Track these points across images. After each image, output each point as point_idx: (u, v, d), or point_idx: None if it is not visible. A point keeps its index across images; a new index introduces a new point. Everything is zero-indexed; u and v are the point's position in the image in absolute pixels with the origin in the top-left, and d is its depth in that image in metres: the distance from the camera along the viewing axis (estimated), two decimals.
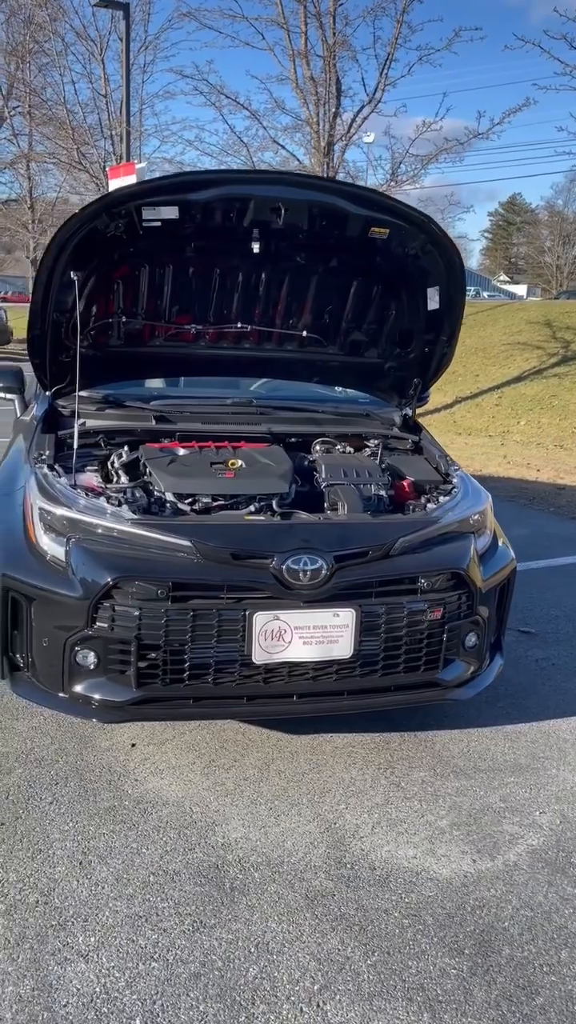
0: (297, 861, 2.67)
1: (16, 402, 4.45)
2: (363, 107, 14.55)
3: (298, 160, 14.84)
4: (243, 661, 3.00)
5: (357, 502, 3.40)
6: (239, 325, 3.81)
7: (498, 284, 73.11)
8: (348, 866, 2.66)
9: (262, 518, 3.29)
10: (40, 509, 3.15)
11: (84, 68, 21.47)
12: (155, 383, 4.35)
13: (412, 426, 4.18)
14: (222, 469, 3.46)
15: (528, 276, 73.48)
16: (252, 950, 2.30)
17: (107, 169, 18.92)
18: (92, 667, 3.01)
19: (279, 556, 2.97)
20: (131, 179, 15.26)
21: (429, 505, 3.42)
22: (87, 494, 3.21)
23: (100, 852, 2.68)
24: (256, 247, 3.45)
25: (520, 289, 68.48)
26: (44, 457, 3.43)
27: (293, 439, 3.90)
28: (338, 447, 3.90)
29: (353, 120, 14.67)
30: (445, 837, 2.82)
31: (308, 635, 2.99)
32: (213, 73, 29.87)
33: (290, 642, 2.98)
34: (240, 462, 3.50)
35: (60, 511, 3.11)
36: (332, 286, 3.77)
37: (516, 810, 2.99)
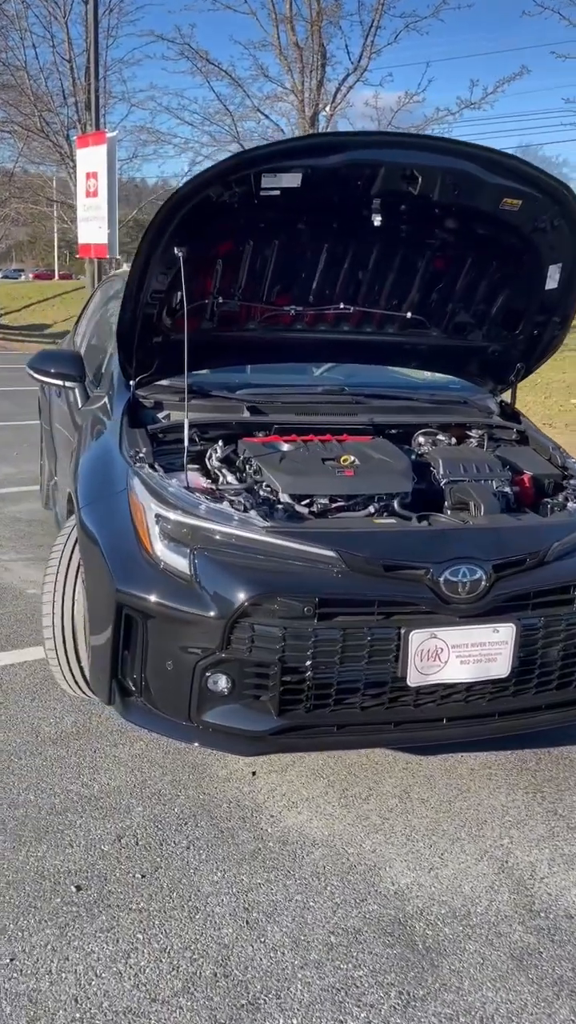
0: (484, 911, 2.40)
1: (76, 391, 4.05)
2: (348, 75, 14.13)
3: (281, 130, 14.36)
4: (395, 684, 2.70)
5: (493, 502, 3.10)
6: (341, 306, 3.46)
7: None
8: (542, 915, 2.39)
9: (392, 521, 2.97)
10: (157, 515, 2.79)
11: (45, 31, 20.60)
12: (230, 369, 3.97)
13: (511, 414, 3.90)
14: (337, 466, 3.13)
15: None
16: None
17: (75, 139, 18.18)
18: (225, 693, 2.68)
19: (436, 567, 2.67)
20: (101, 149, 14.59)
21: (570, 504, 3.14)
22: (205, 497, 2.87)
23: (264, 908, 2.36)
24: (377, 220, 3.10)
25: None
26: (143, 455, 3.07)
27: (394, 430, 3.58)
28: (441, 437, 3.59)
29: (338, 89, 14.24)
30: None
31: (466, 654, 2.70)
32: (194, 38, 28.92)
33: (446, 662, 2.69)
34: (352, 458, 3.18)
35: (180, 517, 2.76)
36: (445, 262, 3.45)
37: None
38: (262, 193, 2.93)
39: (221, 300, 3.30)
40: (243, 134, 12.70)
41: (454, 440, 3.62)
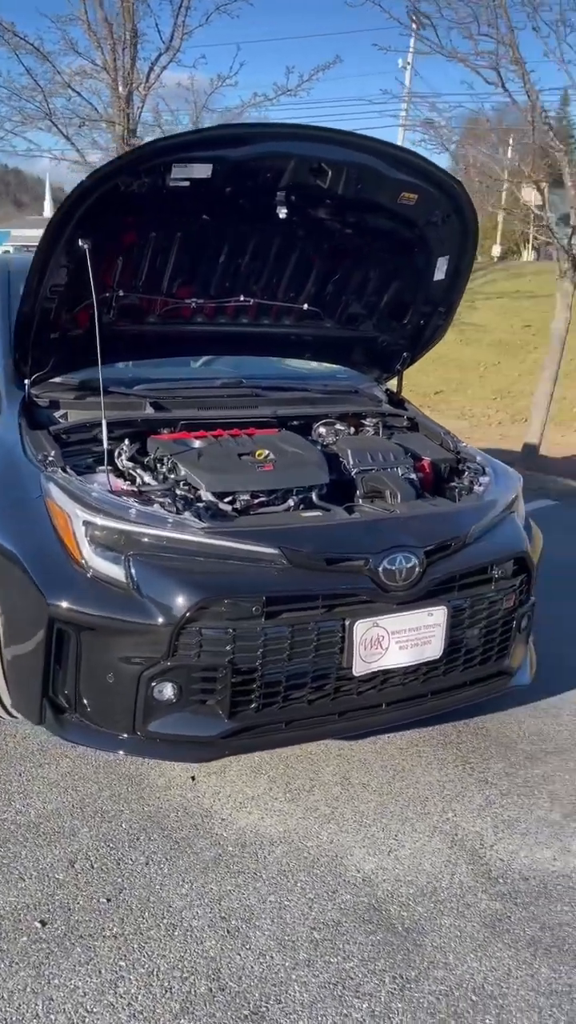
0: (448, 885, 2.49)
1: None
2: (160, 55, 13.82)
3: (94, 108, 13.86)
4: (340, 675, 2.74)
5: (408, 489, 3.19)
6: (242, 299, 3.42)
7: None
8: (501, 881, 2.52)
9: (318, 514, 3.00)
10: (85, 522, 2.66)
11: None
12: (120, 364, 3.83)
13: (398, 401, 4.01)
14: (255, 461, 3.11)
15: None
16: (474, 998, 2.10)
17: None
18: (172, 701, 2.62)
19: (374, 557, 2.72)
20: None
21: (476, 487, 3.28)
22: (132, 500, 2.77)
23: (241, 914, 2.34)
24: (282, 212, 3.09)
25: None
26: (52, 458, 2.92)
27: (296, 422, 3.60)
28: (340, 427, 3.64)
29: (151, 68, 13.90)
30: (567, 832, 2.75)
31: (404, 639, 2.78)
32: None
33: (387, 648, 2.76)
34: (267, 452, 3.18)
35: (111, 523, 2.66)
36: (342, 255, 3.48)
37: None
38: (171, 184, 2.84)
39: (122, 293, 3.18)
40: (55, 111, 12.11)
41: (352, 430, 3.68)
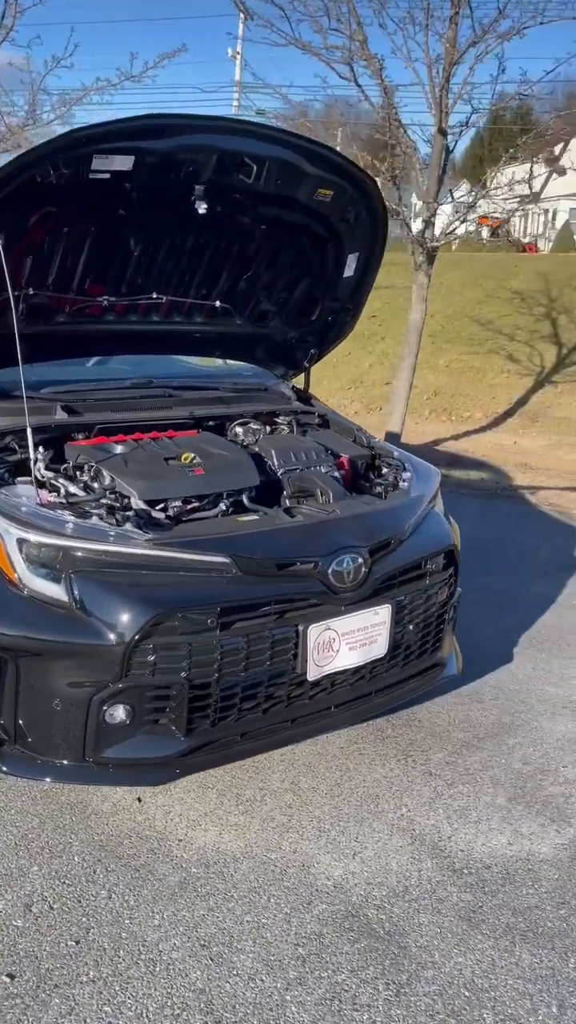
0: (418, 883, 2.51)
1: None
2: None
3: None
4: (294, 680, 2.70)
5: (338, 488, 3.18)
6: (154, 296, 3.29)
7: None
8: (466, 872, 2.56)
9: (255, 517, 2.94)
10: (19, 540, 2.49)
11: None
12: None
13: (305, 398, 3.99)
14: (184, 465, 3.01)
15: None
16: (467, 994, 2.12)
17: None
18: (125, 723, 2.49)
19: (323, 559, 2.69)
20: None
21: (401, 483, 3.31)
22: (65, 513, 2.61)
23: (220, 939, 2.26)
24: (202, 208, 2.98)
25: None
26: None
27: (211, 422, 3.51)
28: (255, 426, 3.58)
29: None
30: (515, 815, 2.83)
31: (353, 640, 2.78)
32: None
33: (338, 651, 2.75)
34: (193, 455, 3.08)
35: (48, 539, 2.50)
36: (257, 251, 3.41)
37: (544, 771, 3.10)
38: (91, 176, 2.69)
39: (31, 291, 2.98)
40: None
41: (268, 428, 3.63)
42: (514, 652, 4.05)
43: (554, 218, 33.53)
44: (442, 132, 9.01)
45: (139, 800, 2.82)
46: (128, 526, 2.60)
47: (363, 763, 3.09)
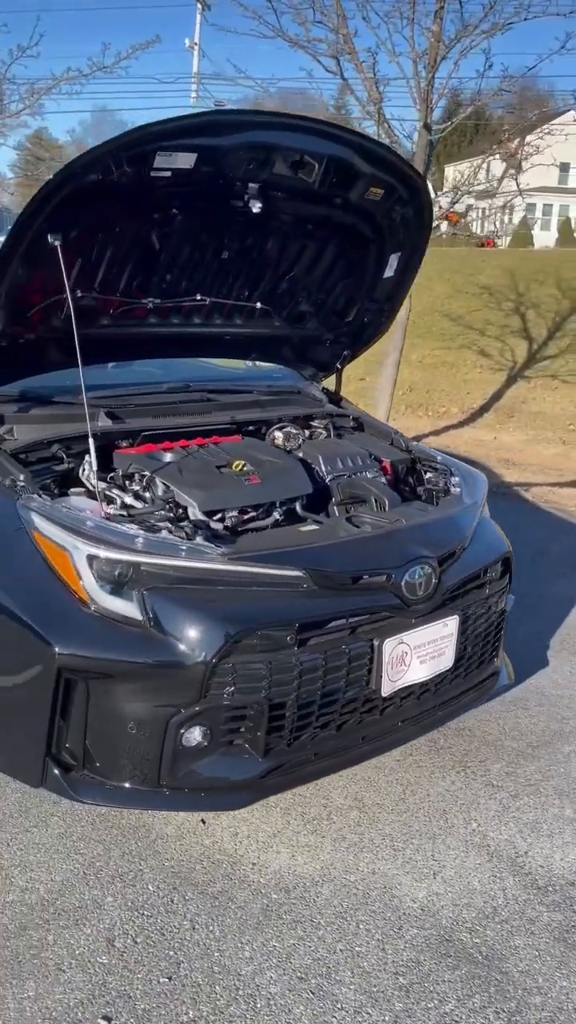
0: (504, 902, 2.45)
1: None
2: None
3: None
4: (367, 697, 2.62)
5: (393, 495, 3.11)
6: (198, 298, 3.17)
7: None
8: (550, 890, 2.51)
9: (316, 527, 2.85)
10: (89, 556, 2.36)
11: None
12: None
13: (335, 400, 3.91)
14: (240, 474, 2.91)
15: None
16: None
17: None
18: (202, 746, 2.39)
19: (396, 571, 2.61)
20: None
21: (452, 489, 3.24)
22: (134, 527, 2.50)
23: (318, 970, 2.18)
24: (256, 207, 2.88)
25: None
26: (23, 483, 2.58)
27: (251, 427, 3.41)
28: (293, 431, 3.49)
29: None
30: None
31: (424, 653, 2.71)
32: None
33: (410, 665, 2.67)
34: (243, 463, 2.98)
35: (119, 555, 2.38)
36: (298, 251, 3.31)
37: None
38: (152, 174, 2.56)
39: (80, 294, 2.84)
40: None
41: (307, 433, 3.54)
42: (549, 656, 4.02)
43: (511, 214, 33.86)
44: (427, 128, 8.99)
45: (203, 822, 2.72)
46: (198, 539, 2.50)
47: (423, 776, 3.03)
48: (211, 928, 2.29)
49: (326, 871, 2.53)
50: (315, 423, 3.62)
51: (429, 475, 3.41)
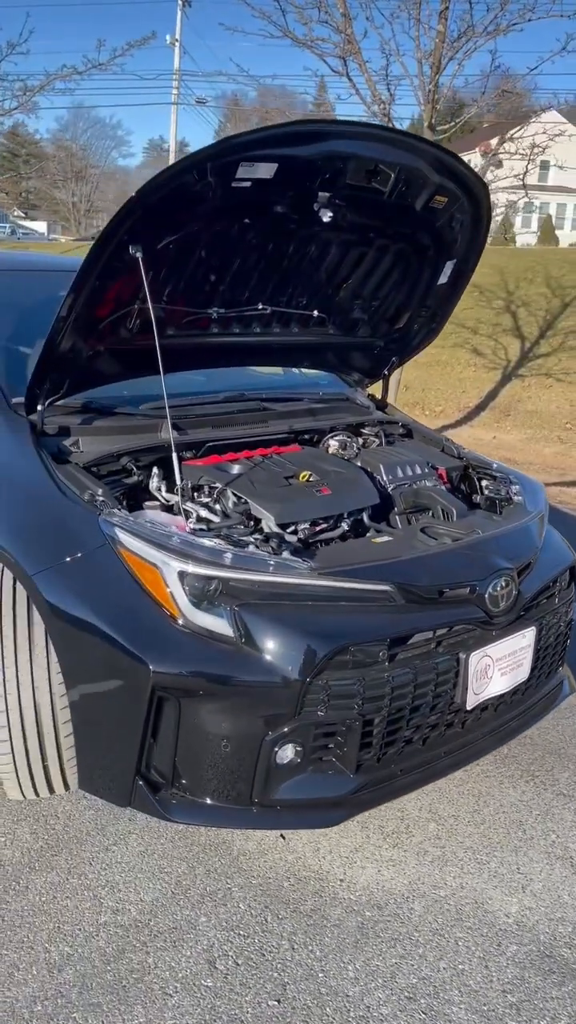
0: None
1: None
2: None
3: None
4: (453, 710, 2.60)
5: (460, 505, 3.10)
6: (260, 307, 3.14)
7: (15, 220, 69.80)
8: None
9: (389, 539, 2.83)
10: (181, 572, 2.33)
11: None
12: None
13: (381, 407, 3.89)
14: (311, 485, 2.89)
15: (44, 212, 71.14)
16: None
17: None
18: (295, 763, 2.36)
19: (480, 583, 2.60)
20: None
21: (515, 497, 3.23)
22: (221, 541, 2.47)
23: (425, 990, 2.16)
24: (327, 216, 2.85)
25: (40, 226, 66.12)
26: (102, 498, 2.54)
27: (307, 436, 3.38)
28: (347, 439, 3.46)
29: None
30: None
31: (505, 665, 2.70)
32: None
33: (492, 677, 2.66)
34: (309, 473, 2.96)
35: (208, 571, 2.34)
36: (357, 259, 3.28)
37: None
38: (234, 184, 2.53)
39: (150, 305, 2.80)
40: None
41: (361, 441, 3.52)
42: None
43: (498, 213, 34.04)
44: (431, 128, 8.99)
45: (283, 837, 2.70)
46: (286, 554, 2.47)
47: (494, 786, 3.02)
48: (311, 948, 2.27)
49: (414, 886, 2.52)
50: (366, 431, 3.60)
51: (487, 483, 3.40)
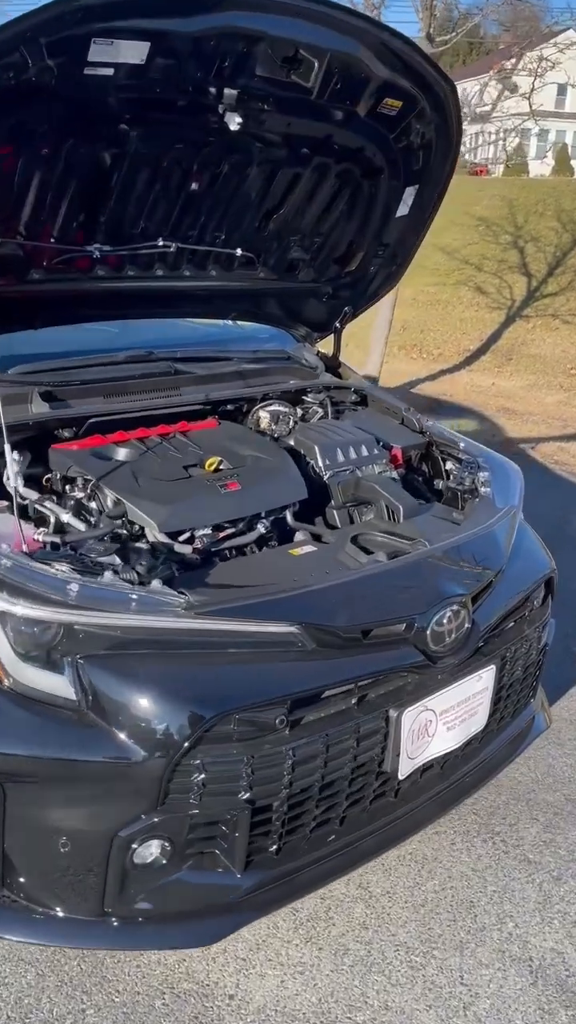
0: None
1: None
2: None
3: None
4: (380, 781, 2.01)
5: (410, 501, 2.46)
6: (160, 243, 2.45)
7: None
8: None
9: (313, 548, 2.21)
10: (3, 613, 1.71)
11: None
12: None
13: (333, 367, 3.22)
14: (212, 478, 2.25)
15: None
16: None
17: None
18: (161, 864, 1.78)
19: (420, 616, 1.98)
20: None
21: (481, 488, 2.59)
22: (64, 568, 1.83)
23: None
24: (235, 121, 2.15)
25: None
26: None
27: (229, 406, 2.73)
28: (283, 410, 2.81)
29: None
30: None
31: (452, 717, 2.09)
32: None
33: (434, 734, 2.06)
34: (218, 460, 2.33)
35: (43, 612, 1.72)
36: (289, 182, 2.58)
37: None
38: (87, 71, 1.83)
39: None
40: None
41: (299, 412, 2.87)
42: None
43: (505, 139, 32.44)
44: (429, 38, 8.09)
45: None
46: (155, 584, 1.84)
47: (443, 847, 2.45)
48: None
49: (324, 1007, 1.96)
50: (309, 398, 2.94)
51: (451, 468, 2.75)
